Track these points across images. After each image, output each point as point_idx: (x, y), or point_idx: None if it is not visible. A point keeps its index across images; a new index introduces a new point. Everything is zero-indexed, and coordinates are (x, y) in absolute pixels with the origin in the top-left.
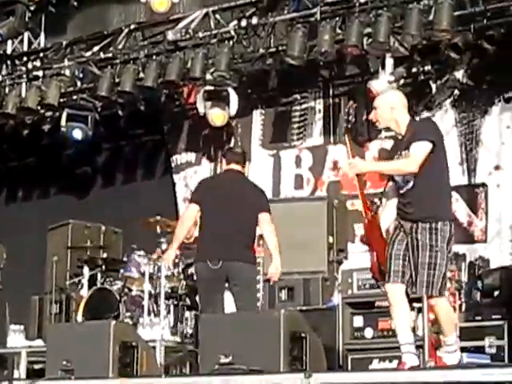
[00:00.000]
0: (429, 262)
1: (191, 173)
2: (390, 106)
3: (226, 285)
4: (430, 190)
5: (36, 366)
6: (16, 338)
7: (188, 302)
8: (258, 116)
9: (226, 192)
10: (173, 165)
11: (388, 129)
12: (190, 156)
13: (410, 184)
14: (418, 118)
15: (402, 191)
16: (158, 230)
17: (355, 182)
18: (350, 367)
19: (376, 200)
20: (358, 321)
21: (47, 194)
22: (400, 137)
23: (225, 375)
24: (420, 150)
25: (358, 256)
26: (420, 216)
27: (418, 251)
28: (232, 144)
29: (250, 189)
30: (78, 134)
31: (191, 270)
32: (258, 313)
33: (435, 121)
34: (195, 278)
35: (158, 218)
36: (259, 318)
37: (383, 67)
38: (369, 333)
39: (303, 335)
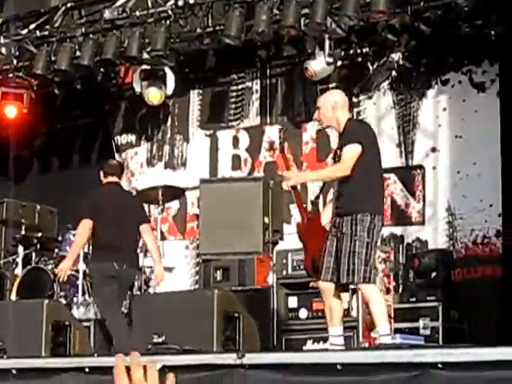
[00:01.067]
0: (349, 251)
1: (132, 153)
2: (332, 105)
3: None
4: (352, 186)
5: None
6: None
7: None
8: (195, 96)
9: (110, 206)
10: (114, 144)
11: (329, 127)
12: (130, 137)
13: (337, 182)
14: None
15: (334, 189)
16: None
17: (291, 190)
18: (284, 348)
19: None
20: (293, 301)
21: None
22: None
23: (157, 355)
24: (350, 153)
25: (293, 237)
26: (344, 210)
27: (341, 242)
28: (169, 124)
29: (129, 201)
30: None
31: None
32: (192, 292)
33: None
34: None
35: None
36: (193, 298)
37: (321, 48)
38: (303, 313)
39: (236, 315)
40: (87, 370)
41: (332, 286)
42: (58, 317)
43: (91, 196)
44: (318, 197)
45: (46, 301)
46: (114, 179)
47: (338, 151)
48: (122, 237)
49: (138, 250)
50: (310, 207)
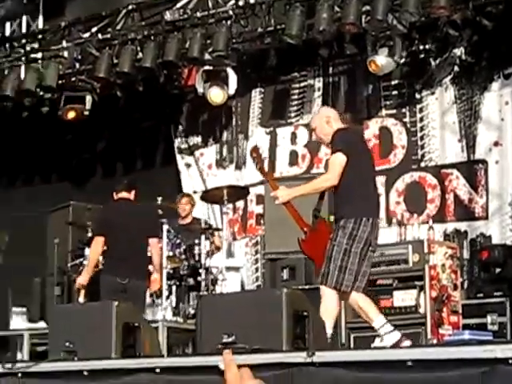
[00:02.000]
0: (327, 256)
1: (198, 155)
2: (325, 120)
3: None
4: (339, 193)
5: (39, 348)
6: (18, 321)
7: (190, 282)
8: (256, 95)
9: (119, 222)
10: (176, 147)
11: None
12: (195, 139)
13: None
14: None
15: None
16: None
17: (284, 208)
18: (352, 345)
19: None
20: None
21: (48, 178)
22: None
23: None
24: (335, 162)
25: None
26: (335, 218)
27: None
28: (234, 123)
29: (139, 217)
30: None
31: (195, 250)
32: (261, 291)
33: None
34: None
35: (160, 199)
36: (261, 297)
37: (382, 45)
38: None
39: (305, 314)
40: (158, 370)
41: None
42: (127, 318)
43: (102, 213)
44: (317, 208)
45: (116, 303)
46: (124, 195)
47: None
48: (131, 251)
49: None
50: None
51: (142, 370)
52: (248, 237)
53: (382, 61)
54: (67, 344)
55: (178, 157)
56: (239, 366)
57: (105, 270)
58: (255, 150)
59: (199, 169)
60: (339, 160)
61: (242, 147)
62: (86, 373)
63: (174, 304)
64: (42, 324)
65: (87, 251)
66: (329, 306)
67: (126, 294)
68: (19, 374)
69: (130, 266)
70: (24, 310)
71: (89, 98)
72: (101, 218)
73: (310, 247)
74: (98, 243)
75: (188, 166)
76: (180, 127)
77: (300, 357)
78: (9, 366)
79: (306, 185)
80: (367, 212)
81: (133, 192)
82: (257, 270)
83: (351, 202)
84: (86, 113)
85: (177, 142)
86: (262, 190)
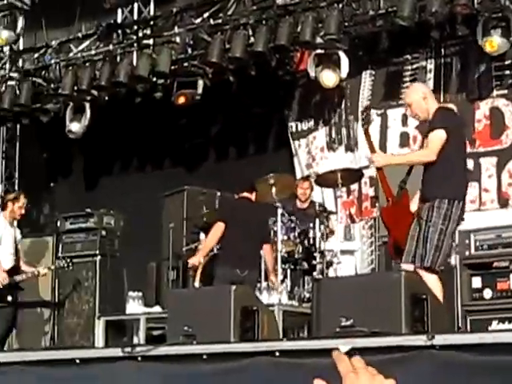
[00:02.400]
0: (423, 237)
1: (311, 138)
2: (422, 97)
3: None
4: (434, 172)
5: (155, 333)
6: (135, 305)
7: (305, 266)
8: (367, 77)
9: (241, 217)
10: (289, 131)
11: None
12: (307, 122)
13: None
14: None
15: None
16: (274, 192)
17: (376, 173)
18: (469, 328)
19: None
20: (477, 282)
21: (161, 164)
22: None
23: (347, 338)
24: (435, 139)
25: (475, 216)
26: (425, 196)
27: (420, 228)
28: (343, 106)
29: (258, 217)
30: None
31: (309, 234)
32: (378, 275)
33: None
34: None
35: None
36: (379, 280)
37: (495, 26)
38: (488, 294)
39: (424, 296)
40: (277, 353)
41: (411, 266)
42: (245, 302)
43: (228, 203)
44: (404, 180)
45: (234, 286)
46: (246, 195)
47: (425, 139)
48: (249, 247)
49: None
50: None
51: (261, 354)
52: (364, 219)
53: (498, 41)
54: (186, 328)
55: (291, 141)
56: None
57: (222, 262)
58: (367, 109)
59: (311, 152)
60: (440, 137)
61: (353, 129)
62: (205, 356)
63: (289, 288)
64: (157, 308)
65: (202, 236)
66: (434, 288)
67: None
68: (139, 358)
69: (248, 260)
70: (140, 294)
71: (200, 83)
72: (226, 206)
73: (390, 216)
74: (220, 228)
75: (299, 149)
76: (292, 111)
77: (420, 340)
78: (128, 349)
79: (403, 156)
80: (460, 194)
81: (254, 193)
82: (372, 252)
83: (447, 182)
84: (198, 98)
85: (289, 126)
86: (372, 172)
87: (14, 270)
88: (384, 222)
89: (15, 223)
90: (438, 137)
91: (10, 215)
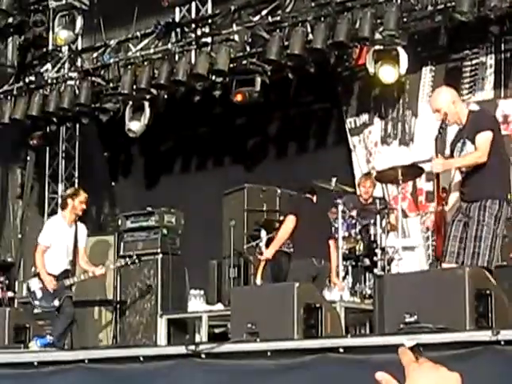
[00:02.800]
0: (475, 236)
1: (367, 133)
2: (452, 101)
3: None
4: (481, 173)
5: (216, 330)
6: (196, 303)
7: (366, 262)
8: (427, 72)
9: (309, 213)
10: (347, 127)
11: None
12: (364, 117)
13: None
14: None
15: (462, 175)
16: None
17: (434, 178)
18: None
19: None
20: None
21: (221, 162)
22: (461, 126)
23: (411, 334)
24: (485, 141)
25: None
26: (472, 196)
27: (468, 227)
28: (401, 101)
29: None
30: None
31: (371, 230)
32: (442, 271)
33: None
34: None
35: (334, 180)
36: (443, 276)
37: None
38: None
39: (488, 292)
40: (341, 350)
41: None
42: (309, 299)
43: (296, 198)
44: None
45: (297, 284)
46: (308, 196)
47: (459, 144)
48: (318, 239)
49: None
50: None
51: (326, 350)
52: (420, 214)
53: None
54: (249, 325)
55: (349, 137)
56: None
57: (297, 254)
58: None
59: (368, 147)
60: (488, 139)
61: (410, 124)
62: (269, 353)
63: (350, 284)
64: (219, 306)
65: (263, 233)
66: None
67: (317, 278)
68: (202, 355)
69: (322, 251)
70: (202, 292)
71: (259, 81)
72: (296, 201)
73: (441, 220)
74: (292, 221)
75: (358, 145)
76: (350, 107)
77: (485, 335)
78: (192, 347)
79: (460, 159)
80: (506, 195)
81: (315, 196)
82: (428, 247)
83: (498, 183)
84: (256, 95)
85: (347, 121)
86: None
87: (66, 273)
88: (436, 225)
89: (78, 223)
90: (487, 138)
91: (72, 212)
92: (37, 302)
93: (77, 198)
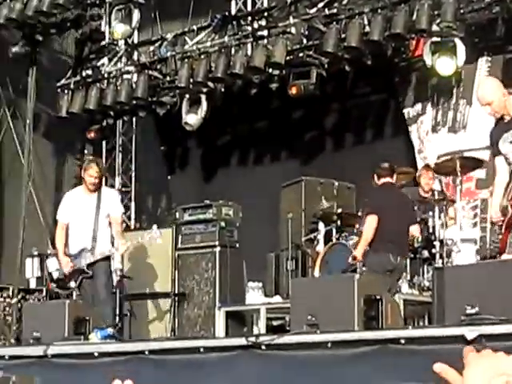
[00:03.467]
0: None
1: (419, 123)
2: (502, 93)
3: None
4: None
5: (274, 323)
6: (254, 295)
7: (425, 254)
8: (483, 63)
9: (391, 204)
10: (405, 117)
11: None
12: (418, 106)
13: None
14: None
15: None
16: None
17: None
18: None
19: None
20: None
21: (278, 155)
22: (508, 118)
23: (473, 325)
24: None
25: None
26: None
27: None
28: (454, 90)
29: (405, 201)
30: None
31: (429, 222)
32: (501, 263)
33: None
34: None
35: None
36: (503, 268)
37: None
38: None
39: None
40: (402, 341)
41: None
42: (369, 290)
43: (374, 196)
44: None
45: (357, 276)
46: (388, 180)
47: (507, 135)
48: (399, 233)
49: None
50: None
51: (386, 341)
52: (465, 200)
53: None
54: (309, 317)
55: (408, 127)
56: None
57: (375, 250)
58: None
59: (420, 137)
60: None
61: (464, 112)
62: (329, 344)
63: (408, 277)
64: (277, 298)
65: (321, 225)
66: None
67: (392, 272)
68: (263, 347)
69: (399, 247)
70: (260, 284)
71: (315, 74)
72: (373, 200)
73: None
74: (374, 220)
75: (412, 135)
76: (408, 97)
77: None
78: (252, 339)
79: None
80: None
81: (394, 176)
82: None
83: None
84: (312, 88)
85: (405, 112)
86: (482, 155)
87: (85, 251)
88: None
89: (104, 191)
90: None
91: (85, 185)
92: (53, 285)
93: (86, 172)
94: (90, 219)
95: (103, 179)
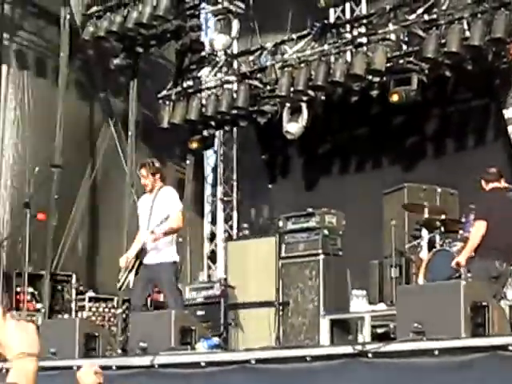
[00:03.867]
0: None
1: None
2: None
3: None
4: None
5: (379, 330)
6: (359, 303)
7: None
8: None
9: (499, 209)
10: (505, 117)
11: None
12: None
13: None
14: None
15: None
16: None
17: None
18: None
19: None
20: None
21: (379, 162)
22: None
23: None
24: None
25: None
26: None
27: None
28: None
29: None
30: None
31: None
32: None
33: None
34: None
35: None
36: None
37: None
38: None
39: None
40: (511, 348)
41: None
42: (476, 297)
43: (483, 201)
44: None
45: (463, 282)
46: (496, 185)
47: None
48: (505, 238)
49: None
50: None
51: (495, 348)
52: None
53: None
54: (415, 324)
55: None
56: None
57: (481, 255)
58: None
59: None
60: None
61: None
62: (436, 352)
63: None
64: (381, 306)
65: (424, 232)
66: None
67: (498, 279)
68: (369, 355)
69: (505, 253)
70: (364, 292)
71: (416, 80)
72: (482, 204)
73: None
74: (482, 227)
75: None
76: (509, 97)
77: None
78: (359, 347)
79: None
80: None
81: (502, 180)
82: None
83: None
84: (413, 94)
85: (505, 112)
86: None
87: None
88: None
89: (161, 190)
90: None
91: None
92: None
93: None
94: (146, 219)
95: (156, 179)
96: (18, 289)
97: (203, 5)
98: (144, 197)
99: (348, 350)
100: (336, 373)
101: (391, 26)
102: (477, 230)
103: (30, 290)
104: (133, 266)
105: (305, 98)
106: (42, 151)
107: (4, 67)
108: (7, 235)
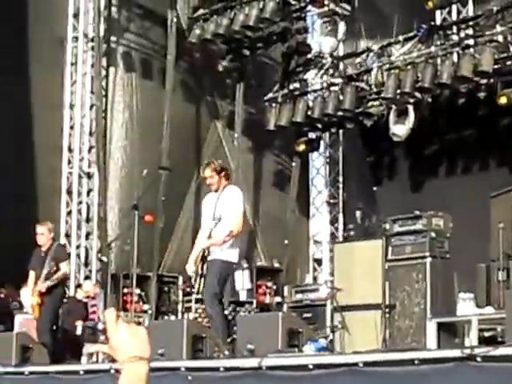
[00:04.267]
0: None
1: None
2: None
3: None
4: None
5: (486, 334)
6: (466, 306)
7: None
8: None
9: None
10: None
11: None
12: None
13: None
14: None
15: None
16: None
17: None
18: None
19: None
20: None
21: (486, 164)
22: None
23: None
24: None
25: None
26: None
27: None
28: None
29: None
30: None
31: None
32: None
33: None
34: None
35: None
36: None
37: None
38: None
39: None
40: None
41: None
42: None
43: None
44: None
45: None
46: None
47: None
48: None
49: None
50: None
51: None
52: None
53: None
54: None
55: None
56: None
57: None
58: None
59: None
60: None
61: None
62: None
63: None
64: (489, 309)
65: None
66: None
67: None
68: (478, 359)
69: None
70: (471, 295)
71: None
72: None
73: None
74: None
75: None
76: None
77: None
78: (468, 351)
79: None
80: None
81: None
82: None
83: None
84: None
85: None
86: None
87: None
88: None
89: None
90: None
91: None
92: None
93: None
94: (209, 218)
95: (221, 176)
96: (126, 290)
97: (309, 7)
98: (209, 195)
99: (457, 353)
100: (446, 376)
101: (498, 28)
102: None
103: (137, 291)
104: (202, 269)
105: (411, 100)
106: (149, 153)
107: (111, 70)
108: (115, 237)
